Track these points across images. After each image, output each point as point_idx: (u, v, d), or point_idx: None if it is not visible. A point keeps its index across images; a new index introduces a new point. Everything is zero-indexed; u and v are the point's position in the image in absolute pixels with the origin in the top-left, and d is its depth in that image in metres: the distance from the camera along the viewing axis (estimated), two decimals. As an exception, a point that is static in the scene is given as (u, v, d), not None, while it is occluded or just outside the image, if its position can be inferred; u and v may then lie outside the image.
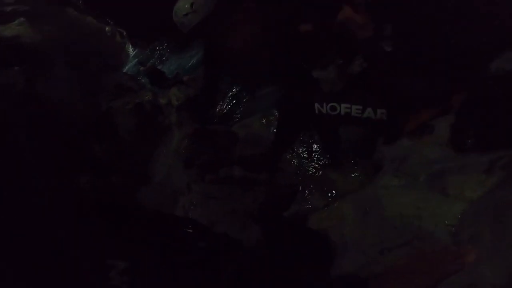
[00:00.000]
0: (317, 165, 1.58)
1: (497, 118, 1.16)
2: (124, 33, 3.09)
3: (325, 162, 1.57)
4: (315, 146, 1.58)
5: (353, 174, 1.41)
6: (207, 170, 1.80)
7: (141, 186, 1.97)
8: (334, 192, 1.39)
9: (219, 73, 1.87)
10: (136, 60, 3.02)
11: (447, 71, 1.32)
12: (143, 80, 2.69)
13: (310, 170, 1.53)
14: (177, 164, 1.95)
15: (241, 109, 2.11)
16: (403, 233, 0.92)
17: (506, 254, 0.68)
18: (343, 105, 1.27)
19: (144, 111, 2.41)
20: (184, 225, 1.59)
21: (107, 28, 2.85)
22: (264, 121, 1.89)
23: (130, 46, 3.13)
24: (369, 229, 0.98)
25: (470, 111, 1.26)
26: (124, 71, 2.92)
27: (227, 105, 2.19)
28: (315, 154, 1.62)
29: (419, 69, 1.35)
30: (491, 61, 1.24)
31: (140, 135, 2.27)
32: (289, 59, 1.57)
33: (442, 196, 1.05)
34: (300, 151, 1.64)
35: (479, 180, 1.01)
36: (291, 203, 1.45)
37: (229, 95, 2.20)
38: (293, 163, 1.64)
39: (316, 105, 1.32)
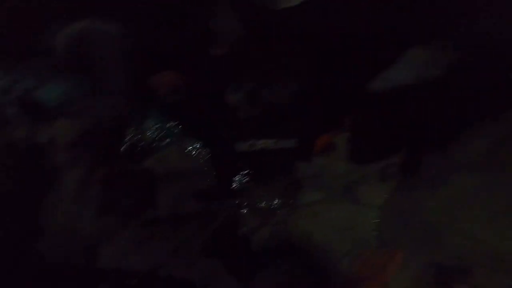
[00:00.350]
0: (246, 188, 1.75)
1: (380, 132, 1.56)
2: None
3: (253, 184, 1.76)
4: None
5: (279, 195, 1.64)
6: (129, 215, 1.71)
7: (35, 237, 1.76)
8: (267, 213, 1.60)
9: (124, 102, 1.78)
10: (-3, 85, 2.50)
11: (336, 97, 1.68)
12: (10, 112, 2.28)
13: (241, 194, 1.68)
14: (83, 211, 1.80)
15: (154, 141, 2.04)
16: (344, 243, 1.19)
17: (421, 252, 0.99)
18: (259, 142, 1.50)
19: (18, 152, 2.08)
20: (119, 277, 1.55)
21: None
22: (181, 152, 1.90)
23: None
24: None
25: (359, 127, 1.64)
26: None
27: (136, 138, 1.98)
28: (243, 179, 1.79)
29: (316, 98, 1.67)
30: (369, 82, 1.63)
31: (20, 180, 1.98)
32: (203, 86, 1.67)
33: (357, 205, 1.37)
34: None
35: (379, 187, 1.36)
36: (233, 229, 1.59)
37: (138, 126, 2.08)
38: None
39: (237, 144, 1.49)
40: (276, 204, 1.63)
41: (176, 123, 1.90)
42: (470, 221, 0.95)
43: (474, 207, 0.97)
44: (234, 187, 1.70)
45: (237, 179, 1.72)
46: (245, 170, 1.72)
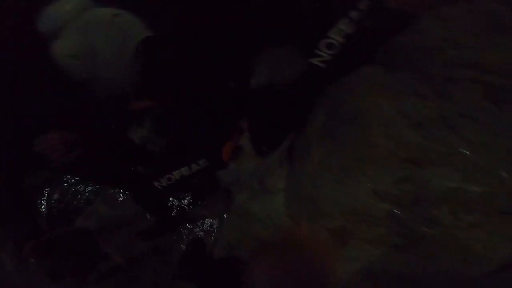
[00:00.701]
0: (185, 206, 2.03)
1: (269, 125, 1.87)
2: None
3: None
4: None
5: (216, 206, 1.95)
6: (83, 275, 1.83)
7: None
8: (212, 225, 1.93)
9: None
10: None
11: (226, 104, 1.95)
12: None
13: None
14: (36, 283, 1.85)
15: (76, 201, 2.02)
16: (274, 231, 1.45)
17: (315, 221, 1.31)
18: (174, 173, 1.69)
19: None
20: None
21: None
22: (108, 203, 1.95)
23: None
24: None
25: (253, 127, 1.94)
26: None
27: (56, 202, 2.00)
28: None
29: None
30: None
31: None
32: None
33: (270, 194, 1.69)
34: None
35: (280, 173, 1.69)
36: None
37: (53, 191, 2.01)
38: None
39: (155, 183, 1.68)
40: (215, 216, 1.95)
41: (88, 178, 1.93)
42: (328, 186, 1.27)
43: (326, 173, 1.29)
44: (174, 216, 1.98)
45: (174, 208, 1.99)
46: (177, 199, 2.00)
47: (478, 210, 0.93)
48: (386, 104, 1.13)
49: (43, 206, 1.94)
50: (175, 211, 1.94)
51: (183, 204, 1.97)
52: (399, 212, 1.05)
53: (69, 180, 1.97)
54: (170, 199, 1.95)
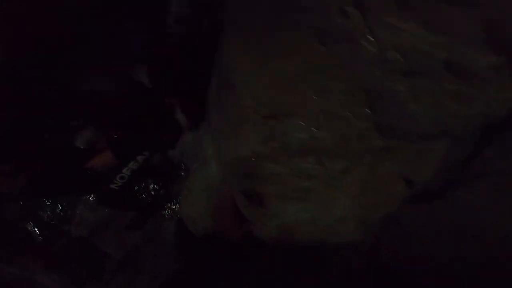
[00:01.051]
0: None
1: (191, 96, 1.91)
2: None
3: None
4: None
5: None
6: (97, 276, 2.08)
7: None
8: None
9: None
10: None
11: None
12: None
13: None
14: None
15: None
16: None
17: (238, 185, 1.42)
18: (124, 170, 1.75)
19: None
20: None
21: None
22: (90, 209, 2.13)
23: None
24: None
25: (181, 100, 1.98)
26: None
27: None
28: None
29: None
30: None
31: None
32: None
33: (207, 160, 1.78)
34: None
35: (208, 140, 1.76)
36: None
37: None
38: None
39: (111, 186, 1.77)
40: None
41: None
42: (225, 151, 1.32)
43: (220, 138, 1.35)
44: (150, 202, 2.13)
45: (146, 196, 2.13)
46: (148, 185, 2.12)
47: (340, 155, 0.96)
48: (250, 66, 1.13)
49: (34, 229, 2.11)
50: (149, 198, 2.07)
51: (156, 189, 2.09)
52: (280, 169, 1.10)
53: (43, 201, 2.12)
54: (139, 188, 2.08)
